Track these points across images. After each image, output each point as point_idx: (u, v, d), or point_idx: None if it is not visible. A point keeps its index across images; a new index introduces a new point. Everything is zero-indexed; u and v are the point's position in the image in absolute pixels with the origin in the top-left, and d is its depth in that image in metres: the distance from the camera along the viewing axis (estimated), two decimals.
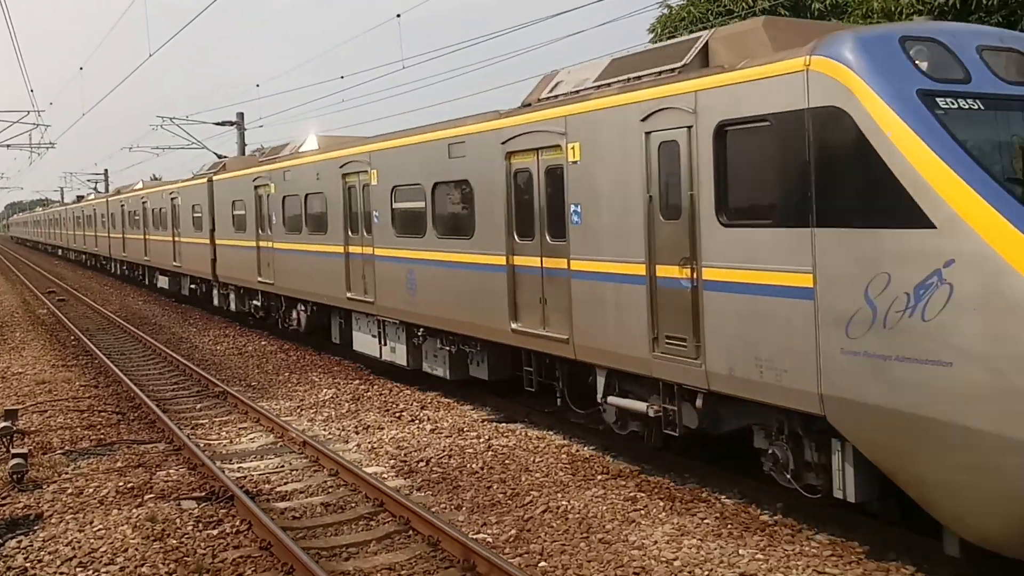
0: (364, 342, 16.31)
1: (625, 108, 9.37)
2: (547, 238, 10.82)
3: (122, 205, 38.89)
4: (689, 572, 7.40)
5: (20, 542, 8.71)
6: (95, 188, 60.58)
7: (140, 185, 38.38)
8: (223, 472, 10.46)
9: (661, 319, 9.00)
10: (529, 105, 11.46)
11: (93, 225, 47.80)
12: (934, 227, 6.41)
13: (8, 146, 42.83)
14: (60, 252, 69.49)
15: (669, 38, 29.22)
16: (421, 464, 10.82)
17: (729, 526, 8.35)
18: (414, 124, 15.93)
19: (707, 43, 9.13)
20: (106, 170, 75.06)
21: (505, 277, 11.54)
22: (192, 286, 28.87)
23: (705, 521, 8.51)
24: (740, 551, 7.75)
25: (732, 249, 8.08)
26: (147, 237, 33.61)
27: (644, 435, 10.13)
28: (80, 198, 57.73)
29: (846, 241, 7.05)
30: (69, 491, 10.27)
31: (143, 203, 34.14)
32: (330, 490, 10.06)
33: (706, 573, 7.36)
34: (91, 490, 10.27)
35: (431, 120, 14.81)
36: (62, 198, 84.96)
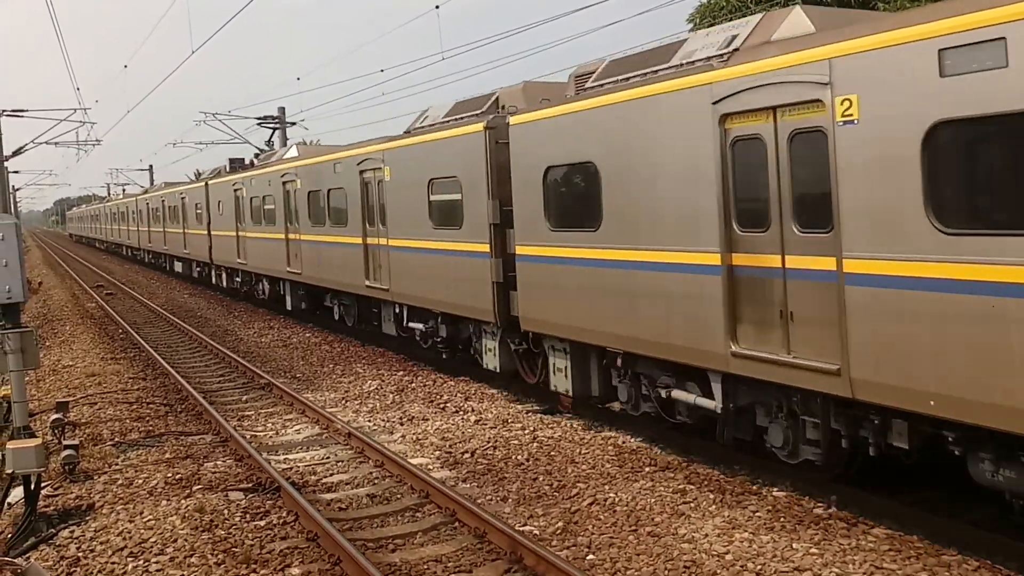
0: None
1: None
2: None
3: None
4: (741, 566, 7.24)
5: (72, 532, 8.81)
6: (258, 153, 30.87)
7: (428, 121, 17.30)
8: (269, 463, 10.50)
9: None
10: None
11: (281, 215, 22.58)
12: None
13: (56, 144, 43.67)
14: (169, 267, 42.00)
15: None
16: (466, 455, 10.77)
17: (782, 519, 8.17)
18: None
19: None
20: (151, 165, 76.34)
21: None
22: None
23: (757, 514, 8.33)
24: (794, 545, 7.56)
25: None
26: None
27: None
28: (236, 164, 30.08)
29: None
30: (119, 482, 10.38)
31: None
32: (376, 481, 10.05)
33: (759, 567, 7.19)
34: (140, 481, 10.37)
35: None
36: (108, 193, 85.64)
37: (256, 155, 30.24)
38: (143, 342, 20.48)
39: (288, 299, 23.84)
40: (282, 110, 37.22)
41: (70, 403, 13.89)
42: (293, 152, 24.01)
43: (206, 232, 31.52)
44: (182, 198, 35.89)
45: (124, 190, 74.63)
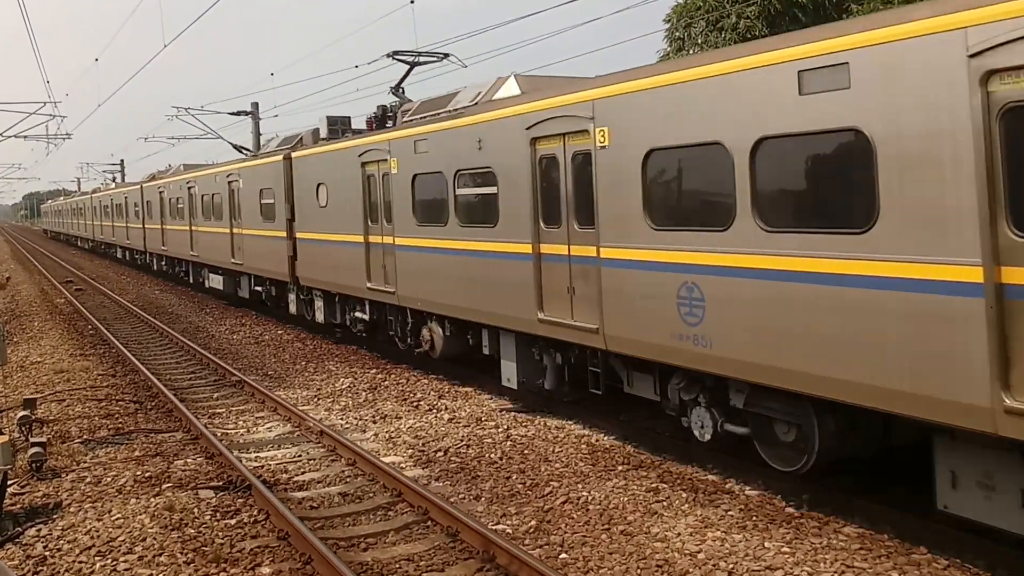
0: None
1: None
2: None
3: None
4: (713, 565, 7.27)
5: (39, 531, 8.68)
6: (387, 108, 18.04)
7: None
8: (240, 461, 10.40)
9: None
10: None
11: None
12: None
13: (25, 137, 43.27)
14: (193, 278, 31.25)
15: (686, 28, 28.96)
16: (439, 454, 10.73)
17: (754, 518, 8.21)
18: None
19: None
20: (122, 160, 75.50)
21: None
22: None
23: (729, 513, 8.37)
24: (766, 544, 7.61)
25: None
26: None
27: None
28: (339, 124, 20.59)
29: None
30: (87, 480, 10.24)
31: None
32: (348, 480, 9.99)
33: (731, 566, 7.23)
34: (109, 479, 10.24)
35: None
36: (79, 187, 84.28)
37: (386, 109, 17.71)
38: (113, 338, 20.23)
39: (513, 369, 12.77)
40: (255, 105, 36.97)
41: (38, 400, 13.70)
42: (513, 88, 13.39)
43: (284, 234, 20.58)
44: (229, 182, 24.76)
45: (115, 179, 70.24)
